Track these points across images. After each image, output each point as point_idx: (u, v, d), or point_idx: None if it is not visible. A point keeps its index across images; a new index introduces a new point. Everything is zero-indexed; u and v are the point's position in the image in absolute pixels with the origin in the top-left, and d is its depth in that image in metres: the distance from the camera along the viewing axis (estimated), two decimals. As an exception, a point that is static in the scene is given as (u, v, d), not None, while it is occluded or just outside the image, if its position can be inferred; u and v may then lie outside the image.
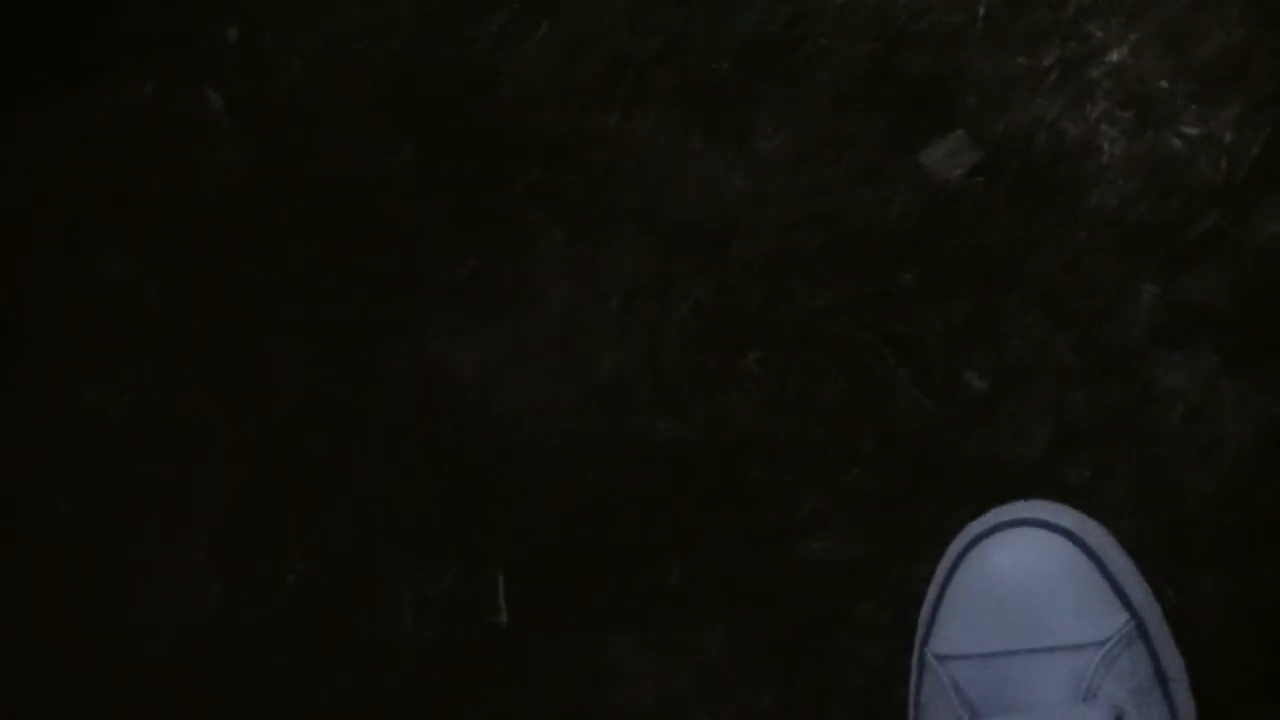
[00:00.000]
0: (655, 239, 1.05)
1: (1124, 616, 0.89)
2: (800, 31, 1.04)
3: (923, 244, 0.99)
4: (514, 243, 1.09)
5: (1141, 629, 0.89)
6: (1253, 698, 0.93)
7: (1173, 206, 0.95)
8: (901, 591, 0.96)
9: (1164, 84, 0.96)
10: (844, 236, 1.00)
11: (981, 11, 0.99)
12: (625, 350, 1.05)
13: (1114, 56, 0.97)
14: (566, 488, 1.05)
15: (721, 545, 1.01)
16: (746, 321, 1.02)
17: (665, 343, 1.04)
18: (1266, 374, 0.93)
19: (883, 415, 0.99)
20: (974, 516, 0.93)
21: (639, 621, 1.03)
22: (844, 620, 0.99)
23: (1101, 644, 0.87)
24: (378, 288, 1.13)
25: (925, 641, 0.92)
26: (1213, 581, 0.93)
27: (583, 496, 1.05)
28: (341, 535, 1.10)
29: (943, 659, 0.90)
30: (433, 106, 1.13)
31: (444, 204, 1.11)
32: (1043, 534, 0.89)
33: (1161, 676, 0.89)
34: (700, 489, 1.02)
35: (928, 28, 1.00)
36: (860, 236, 1.00)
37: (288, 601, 1.11)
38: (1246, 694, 0.93)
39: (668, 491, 1.03)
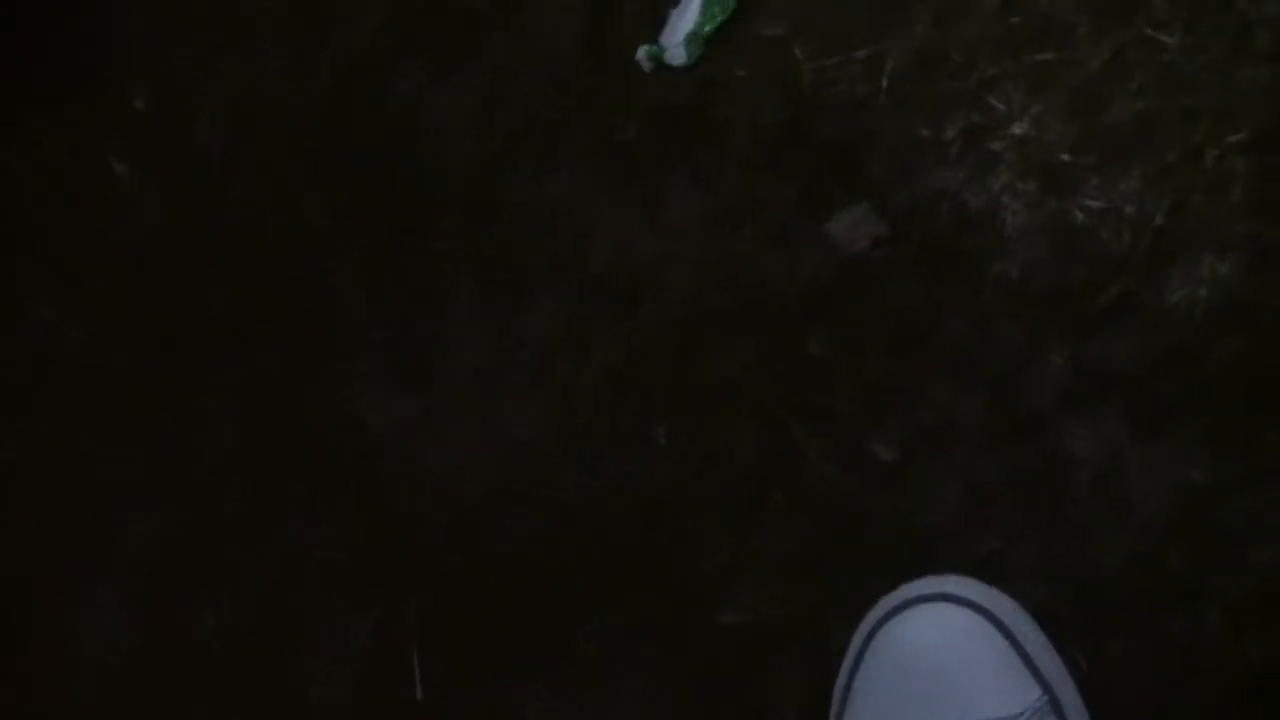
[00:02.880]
0: (568, 299, 1.04)
1: (1037, 691, 0.89)
2: (708, 98, 1.04)
3: (830, 311, 1.00)
4: (431, 299, 1.08)
5: (1055, 703, 0.89)
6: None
7: (1077, 276, 0.95)
8: (810, 656, 0.96)
9: (1066, 156, 0.96)
10: (752, 303, 1.00)
11: (885, 83, 1.00)
12: (539, 410, 1.05)
13: (1016, 129, 0.98)
14: (481, 545, 1.05)
15: (634, 605, 1.01)
16: (657, 385, 1.02)
17: (578, 403, 1.04)
18: (1173, 439, 0.93)
19: (792, 482, 0.99)
20: (884, 585, 0.93)
21: (552, 678, 1.02)
22: (753, 683, 0.98)
23: (1016, 718, 0.87)
24: (296, 342, 1.12)
25: (839, 717, 0.92)
26: (1125, 647, 0.94)
27: (496, 554, 1.04)
28: (258, 587, 1.09)
29: (856, 735, 0.90)
30: (348, 162, 1.12)
31: (361, 259, 1.10)
32: (955, 609, 0.90)
33: (1075, 751, 0.89)
34: (612, 549, 1.02)
35: (833, 99, 1.01)
36: (768, 303, 1.00)
37: (205, 650, 1.10)
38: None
39: (580, 551, 1.03)
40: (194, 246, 1.15)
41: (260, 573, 1.10)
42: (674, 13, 1.05)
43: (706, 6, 1.03)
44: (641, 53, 1.05)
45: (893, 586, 0.94)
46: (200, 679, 1.09)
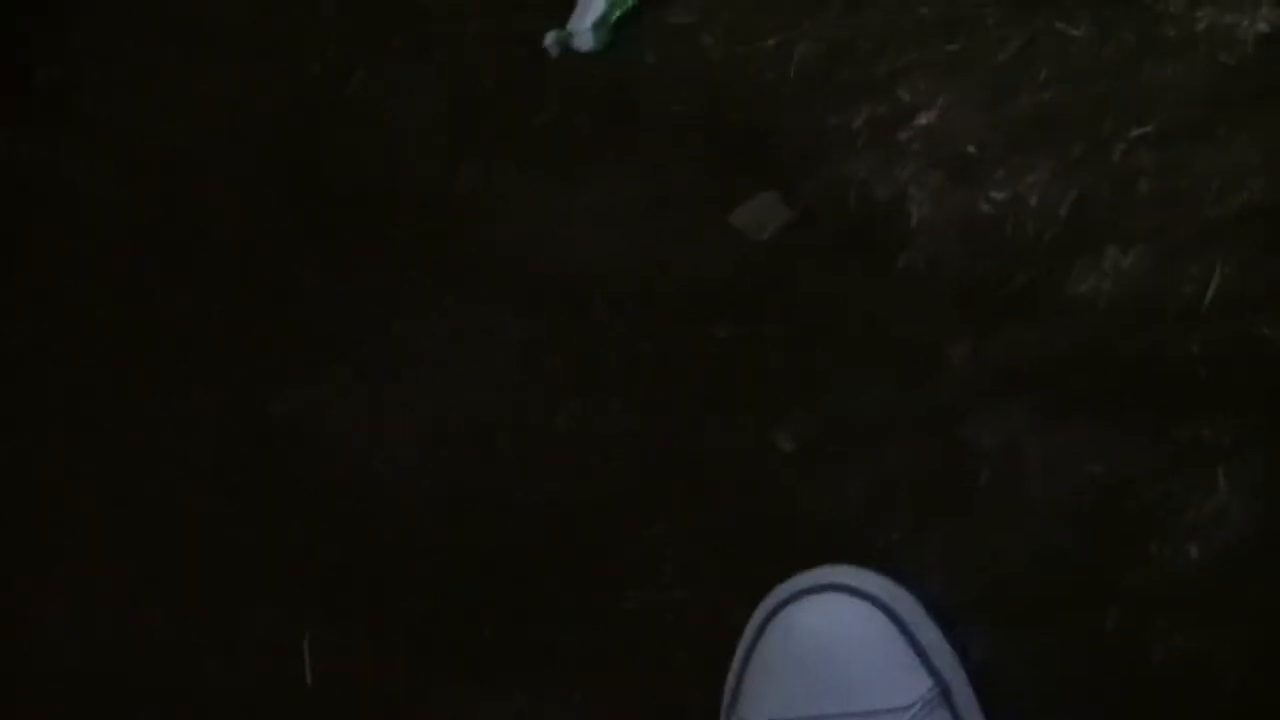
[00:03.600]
0: (472, 288, 1.03)
1: (929, 681, 0.88)
2: (617, 90, 1.03)
3: (735, 300, 0.99)
4: (351, 288, 1.07)
5: (945, 694, 0.88)
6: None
7: (982, 267, 0.95)
8: (708, 645, 0.95)
9: (972, 148, 0.96)
10: (657, 290, 1.00)
11: (793, 71, 0.99)
12: (447, 401, 1.03)
13: (923, 119, 0.97)
14: (384, 537, 1.03)
15: (536, 591, 1.00)
16: (557, 374, 1.01)
17: (478, 398, 1.03)
18: (1075, 432, 0.93)
19: (692, 471, 0.98)
20: (783, 576, 0.92)
21: (465, 677, 1.01)
22: (653, 670, 0.98)
23: (906, 709, 0.87)
24: (260, 344, 1.11)
25: (732, 707, 0.91)
26: (1026, 641, 0.93)
27: (409, 551, 1.03)
28: (211, 591, 1.07)
29: (748, 725, 0.89)
30: (313, 165, 1.11)
31: (326, 262, 1.09)
32: (847, 599, 0.89)
33: (967, 741, 0.88)
34: (515, 539, 1.01)
35: (742, 87, 1.00)
36: (674, 291, 0.99)
37: (155, 657, 1.08)
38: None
39: (482, 542, 1.02)
40: (160, 250, 1.13)
41: (212, 579, 1.08)
42: (582, -2, 1.04)
43: (616, -8, 1.02)
44: (549, 38, 1.04)
45: (790, 577, 0.92)
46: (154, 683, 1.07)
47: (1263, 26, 0.94)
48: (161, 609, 1.09)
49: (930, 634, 0.90)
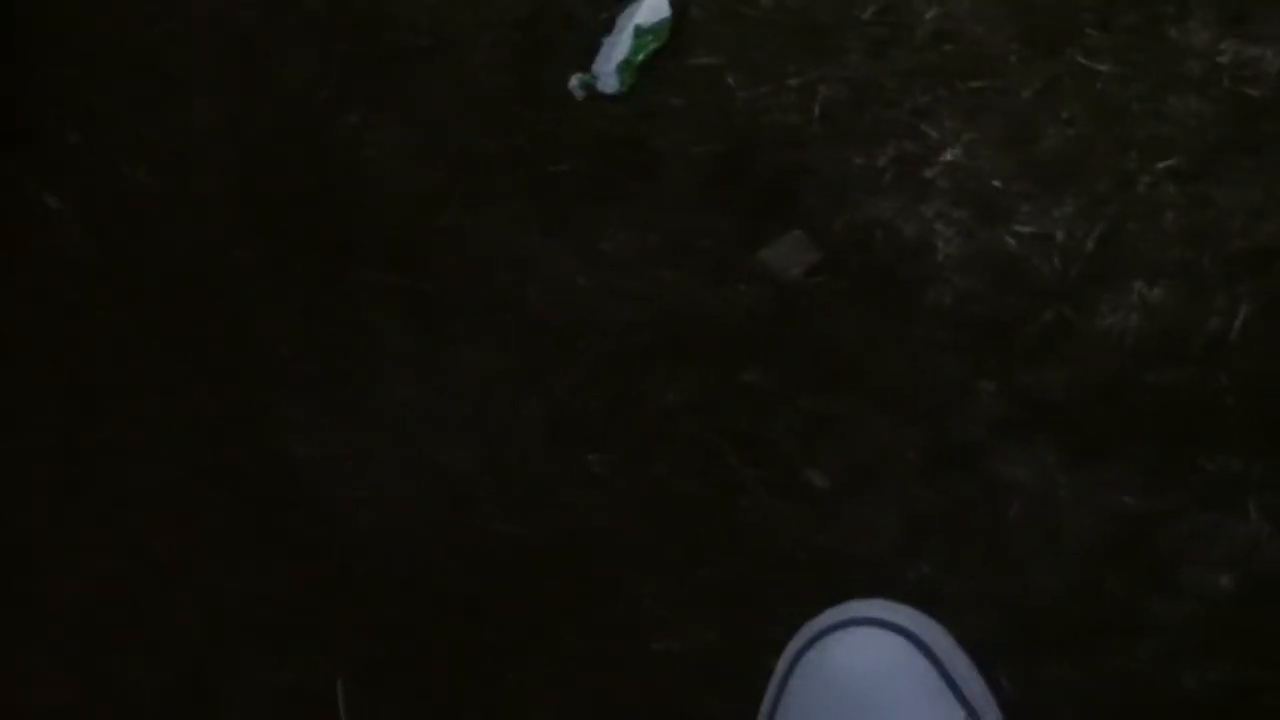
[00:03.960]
0: (502, 338, 1.04)
1: (961, 712, 0.88)
2: (642, 129, 1.04)
3: (766, 342, 0.99)
4: (363, 340, 1.08)
5: (979, 725, 0.88)
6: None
7: (1009, 304, 0.95)
8: (747, 689, 0.95)
9: (998, 183, 0.96)
10: (688, 335, 1.00)
11: (818, 111, 1.00)
12: (471, 449, 1.04)
13: (949, 156, 0.98)
14: (411, 585, 1.03)
15: (568, 642, 1.00)
16: (593, 420, 1.02)
17: (513, 442, 1.03)
18: (1105, 466, 0.93)
19: (727, 513, 0.98)
20: (816, 612, 0.92)
21: (490, 711, 1.01)
22: (685, 710, 0.97)
23: (940, 740, 0.87)
24: (228, 383, 1.11)
25: (767, 743, 0.91)
26: (1055, 672, 0.93)
27: (427, 594, 1.03)
28: (188, 630, 1.08)
29: (783, 760, 0.89)
30: (283, 204, 1.12)
31: (295, 301, 1.10)
32: (879, 632, 0.89)
33: (1000, 770, 0.88)
34: (546, 586, 1.01)
35: (767, 128, 1.01)
36: (704, 335, 1.00)
37: (141, 698, 1.08)
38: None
39: (513, 588, 1.02)
40: (126, 288, 1.14)
41: (188, 617, 1.08)
42: (607, 41, 1.05)
43: (639, 35, 1.03)
44: (574, 81, 1.05)
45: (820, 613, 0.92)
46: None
47: (1286, 60, 0.94)
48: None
49: (961, 665, 0.90)
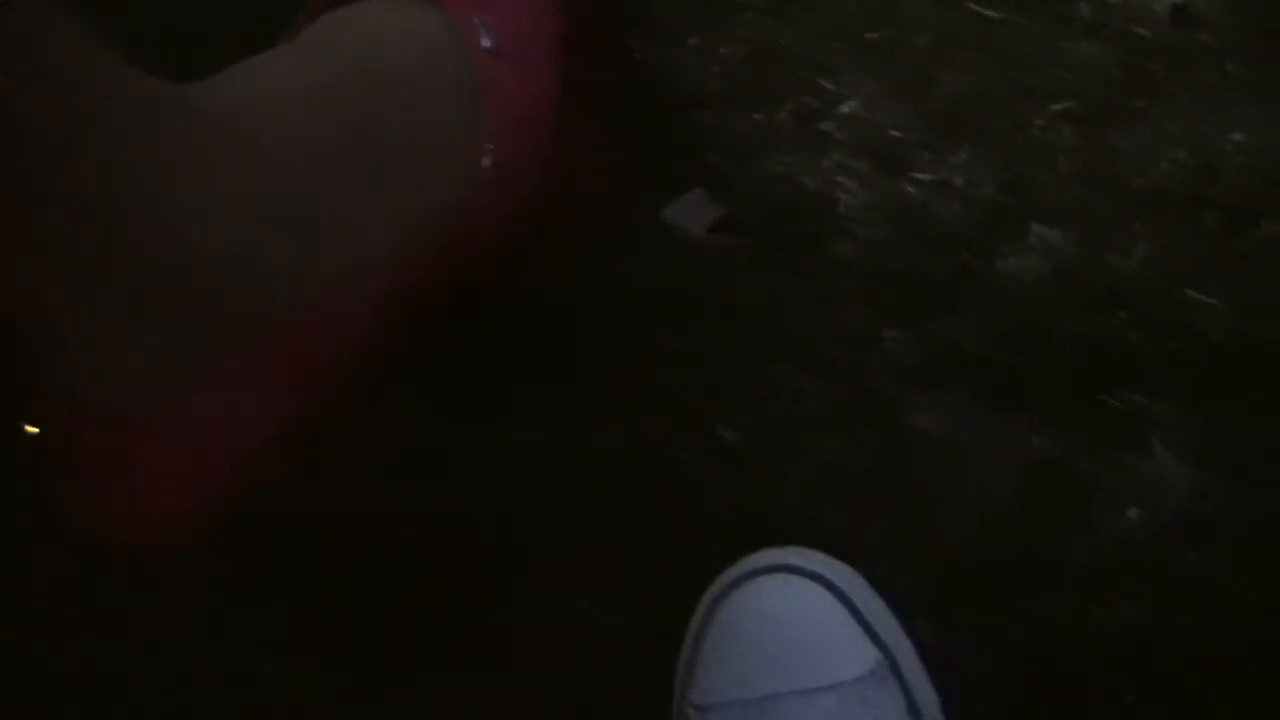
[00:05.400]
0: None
1: (876, 654, 0.88)
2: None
3: (673, 300, 0.99)
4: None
5: (894, 666, 0.89)
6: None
7: (912, 252, 0.96)
8: (668, 646, 0.96)
9: (896, 133, 0.97)
10: (592, 293, 1.00)
11: (717, 70, 1.00)
12: (383, 422, 1.04)
13: (847, 109, 0.98)
14: (326, 563, 1.03)
15: (480, 603, 1.00)
16: (498, 382, 1.02)
17: (435, 413, 1.03)
18: (1012, 409, 0.94)
19: (639, 472, 0.98)
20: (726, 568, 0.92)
21: (419, 688, 1.01)
22: (600, 669, 0.97)
23: (855, 681, 0.87)
24: None
25: (684, 694, 0.91)
26: (970, 615, 0.93)
27: (351, 568, 1.03)
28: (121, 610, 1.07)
29: (700, 709, 0.89)
30: None
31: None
32: (792, 579, 0.89)
33: (915, 711, 0.89)
34: (470, 554, 1.01)
35: (668, 90, 1.01)
36: (609, 293, 1.00)
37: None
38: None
39: (438, 559, 1.01)
40: None
41: (119, 599, 1.07)
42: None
43: None
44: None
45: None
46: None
47: None
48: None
49: (876, 608, 0.91)
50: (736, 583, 0.90)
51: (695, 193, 1.00)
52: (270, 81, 0.92)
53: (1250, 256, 0.92)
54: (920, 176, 0.96)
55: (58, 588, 1.03)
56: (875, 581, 0.93)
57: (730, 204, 0.99)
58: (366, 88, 0.94)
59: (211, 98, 0.89)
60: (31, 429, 0.89)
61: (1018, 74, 0.96)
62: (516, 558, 1.00)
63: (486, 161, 0.94)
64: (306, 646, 1.02)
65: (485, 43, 0.94)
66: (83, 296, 0.82)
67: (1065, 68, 0.96)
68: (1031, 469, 0.94)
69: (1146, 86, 0.94)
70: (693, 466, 0.98)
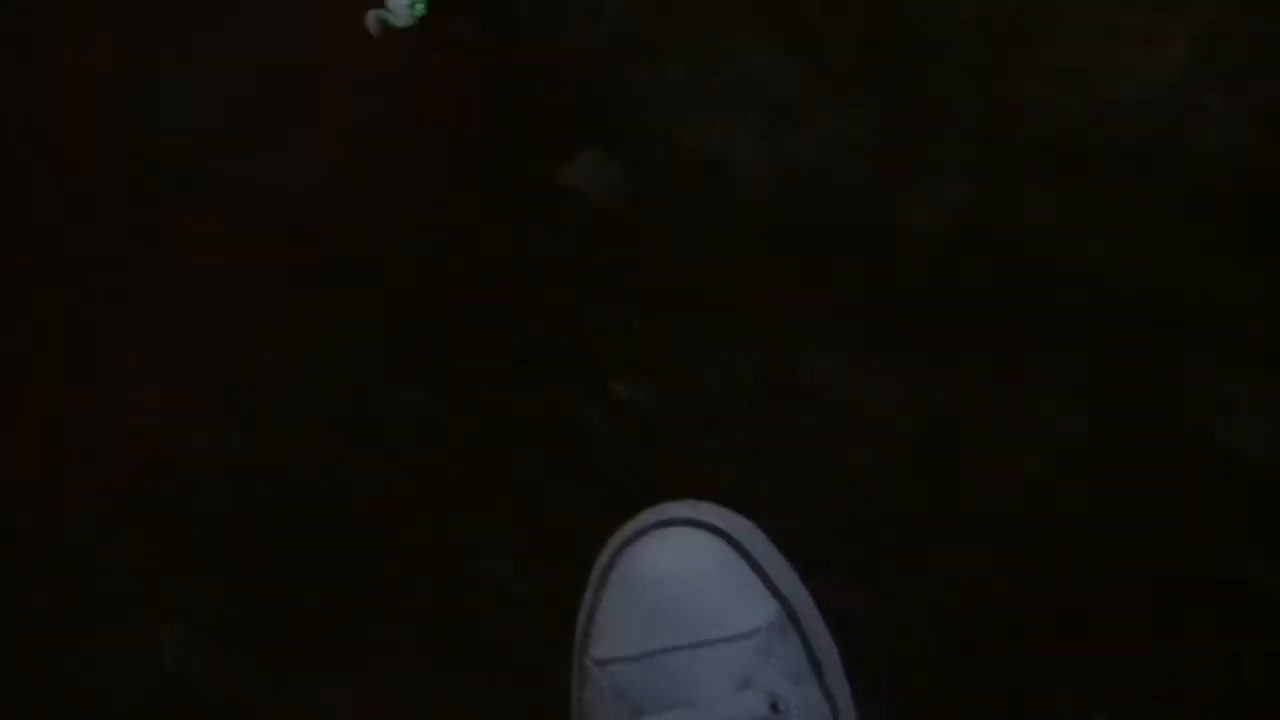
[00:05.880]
0: (315, 276, 1.03)
1: (774, 606, 0.88)
2: (435, 61, 1.03)
3: (573, 261, 0.99)
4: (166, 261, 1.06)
5: (793, 617, 0.89)
6: (904, 677, 0.94)
7: (808, 209, 0.96)
8: (565, 599, 0.95)
9: (793, 90, 0.97)
10: (496, 261, 1.00)
11: (606, 29, 1.00)
12: (294, 389, 1.03)
13: (739, 64, 0.98)
14: (234, 531, 1.02)
15: (393, 575, 1.00)
16: (404, 349, 1.01)
17: (338, 382, 1.02)
18: (917, 364, 0.94)
19: (546, 436, 0.98)
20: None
21: (322, 659, 1.00)
22: (509, 634, 0.97)
23: (753, 634, 0.87)
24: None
25: (584, 650, 0.91)
26: (873, 573, 0.94)
27: (251, 539, 1.02)
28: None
29: (602, 663, 0.89)
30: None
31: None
32: (690, 531, 0.89)
33: (816, 663, 0.89)
34: (371, 529, 1.00)
35: (556, 49, 1.01)
36: (512, 259, 1.00)
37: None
38: (898, 674, 0.93)
39: (341, 534, 1.01)
40: None
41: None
42: (395, -27, 1.05)
43: (426, -35, 1.03)
44: (370, 17, 1.04)
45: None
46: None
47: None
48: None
49: (773, 559, 0.91)
50: (633, 538, 0.90)
51: (592, 153, 0.99)
52: None
53: (1140, 204, 0.92)
54: (819, 134, 0.95)
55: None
56: (774, 537, 0.93)
57: (626, 163, 0.99)
58: None
59: None
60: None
61: (908, 27, 0.96)
62: (419, 525, 1.00)
63: None
64: (210, 619, 1.01)
65: None
66: None
67: (961, 21, 0.96)
68: (939, 426, 0.94)
69: (1047, 39, 0.95)
70: (595, 429, 0.98)
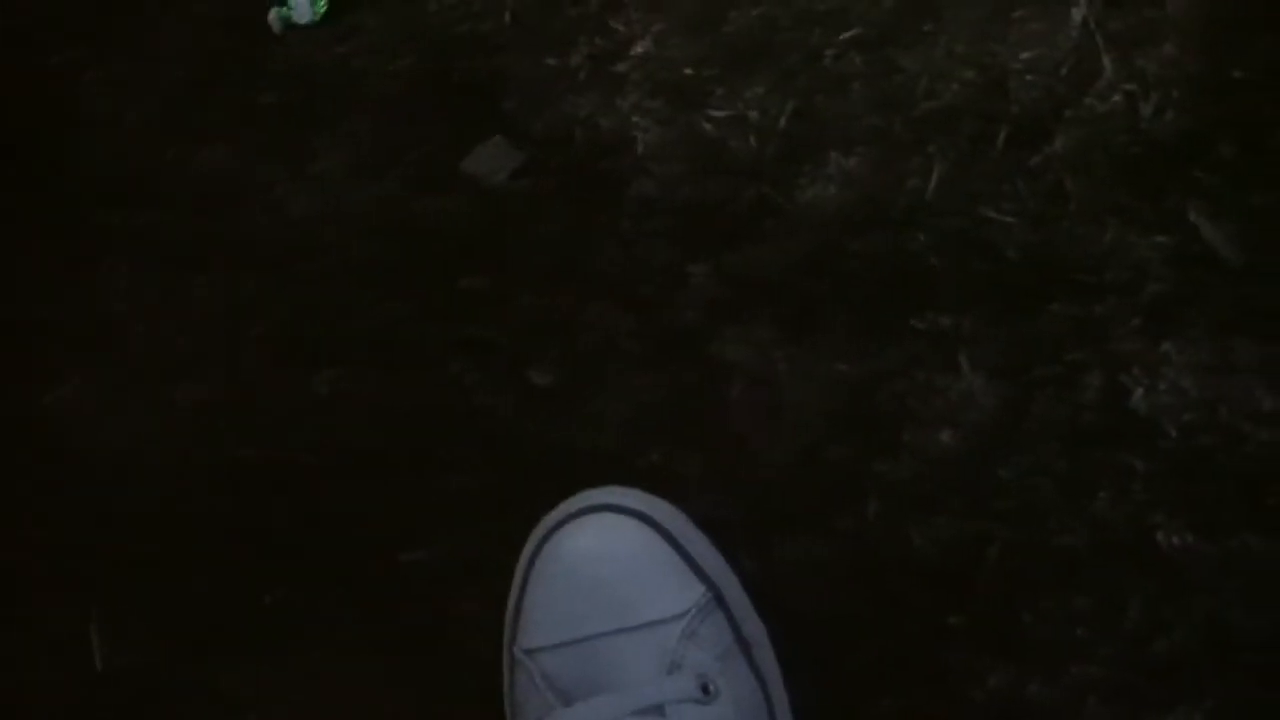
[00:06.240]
0: (222, 267, 1.03)
1: (700, 588, 0.89)
2: (341, 55, 1.03)
3: (479, 249, 0.99)
4: (94, 284, 1.06)
5: (719, 599, 0.89)
6: (834, 652, 0.94)
7: (712, 187, 0.96)
8: (488, 585, 0.96)
9: (689, 70, 0.98)
10: (403, 249, 1.00)
11: (508, 18, 1.00)
12: (205, 381, 1.02)
13: (639, 49, 0.98)
14: (158, 519, 1.02)
15: (316, 560, 0.99)
16: (317, 341, 1.01)
17: (243, 370, 1.02)
18: (819, 337, 0.95)
19: (456, 420, 0.98)
20: (547, 511, 0.92)
21: (252, 649, 1.00)
22: (433, 617, 0.97)
23: (680, 617, 0.88)
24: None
25: (513, 640, 0.91)
26: (791, 544, 0.95)
27: (174, 526, 1.02)
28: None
29: (530, 653, 0.89)
30: (6, 150, 1.09)
31: (31, 247, 1.07)
32: (613, 517, 0.89)
33: (744, 643, 0.89)
34: (294, 509, 1.00)
35: (460, 38, 1.01)
36: (419, 248, 1.00)
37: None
38: (829, 650, 0.94)
39: (260, 514, 1.00)
40: None
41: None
42: (297, -27, 1.05)
43: (325, -38, 1.03)
44: (271, 15, 1.04)
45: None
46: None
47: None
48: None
49: (697, 542, 0.91)
50: (558, 525, 0.90)
51: (495, 140, 1.00)
52: None
53: (1042, 172, 0.93)
54: (715, 113, 0.96)
55: None
56: (697, 519, 0.93)
57: (530, 149, 0.99)
58: None
59: None
60: None
61: (805, 4, 0.97)
62: (335, 518, 1.00)
63: None
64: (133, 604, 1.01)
65: None
66: None
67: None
68: (841, 395, 0.95)
69: (931, 9, 0.95)
70: (510, 411, 0.98)
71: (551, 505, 0.93)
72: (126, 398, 1.05)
